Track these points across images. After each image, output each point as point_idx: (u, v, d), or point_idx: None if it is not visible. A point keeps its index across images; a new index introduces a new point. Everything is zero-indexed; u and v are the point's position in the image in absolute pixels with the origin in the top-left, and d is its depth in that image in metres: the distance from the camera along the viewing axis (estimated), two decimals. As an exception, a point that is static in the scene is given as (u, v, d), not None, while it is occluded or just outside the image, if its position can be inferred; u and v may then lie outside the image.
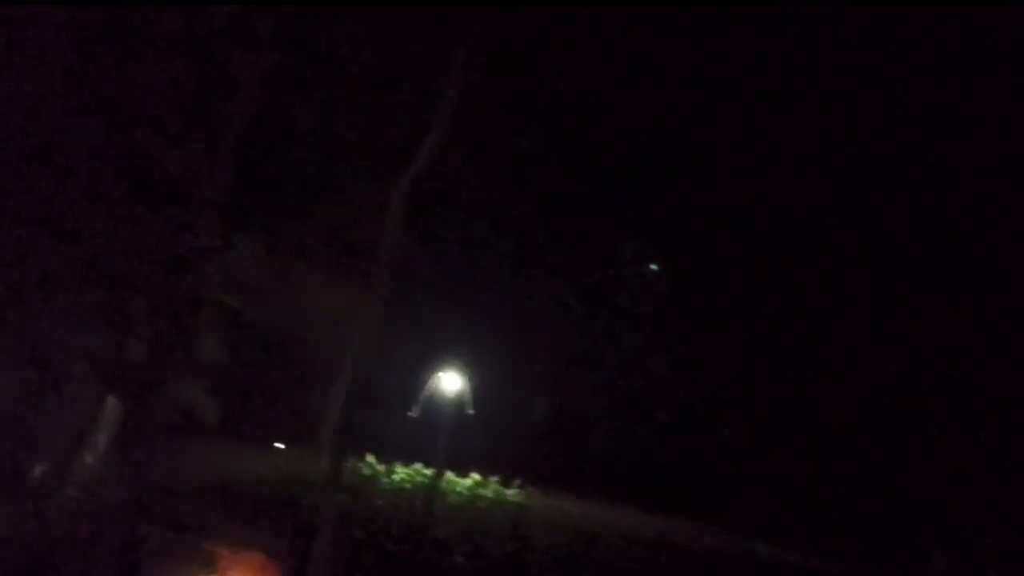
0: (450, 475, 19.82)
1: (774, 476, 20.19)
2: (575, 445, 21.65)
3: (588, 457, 21.67)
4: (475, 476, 19.92)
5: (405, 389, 20.53)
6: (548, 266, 20.84)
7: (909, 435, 19.33)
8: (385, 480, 18.81)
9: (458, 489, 19.45)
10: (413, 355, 20.54)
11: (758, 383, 20.84)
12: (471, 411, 21.52)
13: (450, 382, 21.45)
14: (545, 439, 21.84)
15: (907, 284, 19.11)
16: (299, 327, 19.39)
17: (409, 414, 20.80)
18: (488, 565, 16.50)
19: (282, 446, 19.41)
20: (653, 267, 21.61)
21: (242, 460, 17.54)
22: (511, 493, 19.65)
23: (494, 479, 19.91)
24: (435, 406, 21.16)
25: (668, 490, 19.97)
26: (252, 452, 18.12)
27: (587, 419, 22.21)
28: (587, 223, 20.69)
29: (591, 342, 22.00)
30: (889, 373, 19.05)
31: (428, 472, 19.85)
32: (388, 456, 19.32)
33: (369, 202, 17.25)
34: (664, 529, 18.42)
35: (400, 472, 19.44)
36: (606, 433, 22.11)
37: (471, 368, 21.39)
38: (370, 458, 19.30)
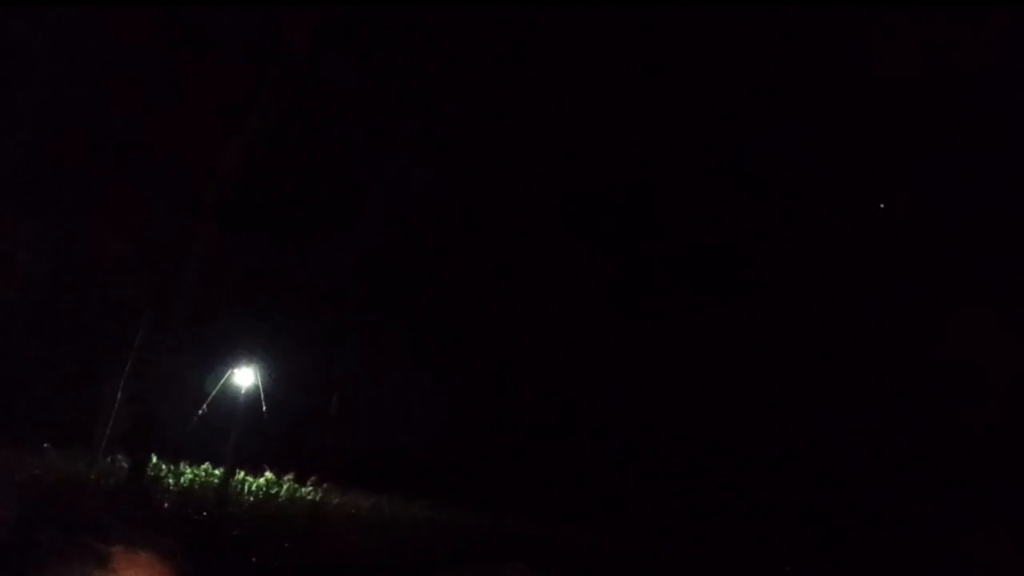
0: (242, 475, 19.19)
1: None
2: (371, 442, 21.43)
3: (384, 454, 21.48)
4: (269, 475, 19.36)
5: (194, 388, 19.75)
6: (349, 265, 20.53)
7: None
8: (170, 481, 17.95)
9: (252, 488, 18.83)
10: (203, 353, 19.79)
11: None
12: (264, 409, 20.95)
13: (243, 380, 20.80)
14: (341, 437, 21.51)
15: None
16: (79, 320, 18.34)
17: (199, 412, 20.04)
18: (284, 565, 16.01)
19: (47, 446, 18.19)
20: None
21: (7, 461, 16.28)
22: (307, 491, 19.21)
23: (289, 477, 19.41)
24: (226, 405, 20.47)
25: (461, 484, 20.10)
26: (20, 453, 16.86)
27: (382, 417, 22.05)
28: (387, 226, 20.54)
29: (389, 342, 21.86)
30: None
31: (218, 472, 19.13)
32: (175, 456, 18.46)
33: (163, 197, 16.47)
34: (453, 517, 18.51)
35: (188, 472, 18.63)
36: (401, 430, 22.02)
37: (265, 367, 20.83)
38: (154, 458, 18.40)
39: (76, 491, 14.71)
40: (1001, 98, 14.12)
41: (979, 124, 14.72)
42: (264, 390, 20.87)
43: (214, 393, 19.97)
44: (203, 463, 19.33)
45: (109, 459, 18.41)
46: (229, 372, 20.65)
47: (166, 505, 16.75)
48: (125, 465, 17.10)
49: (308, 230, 19.30)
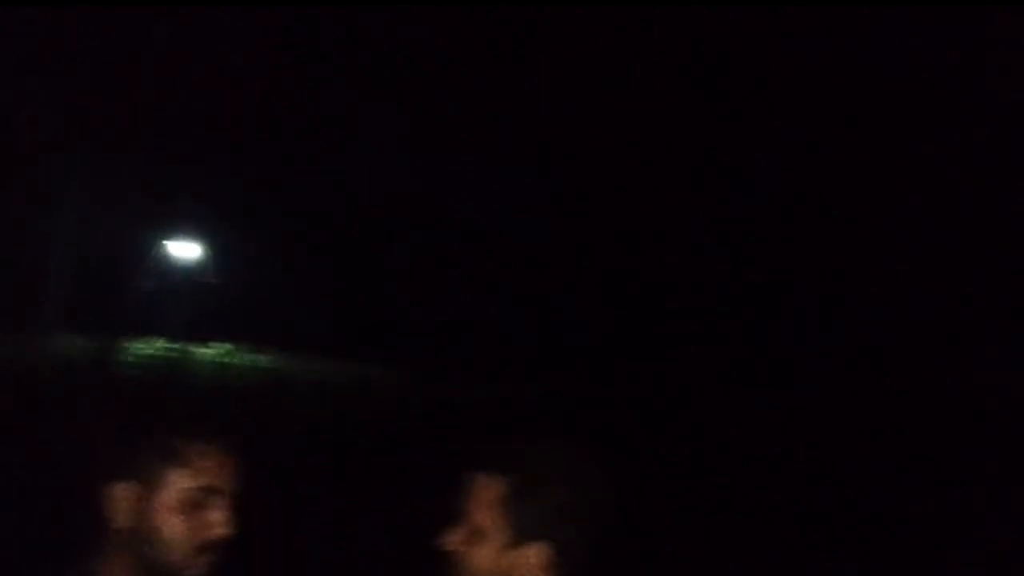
0: (198, 347, 18.80)
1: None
2: (323, 308, 21.05)
3: (337, 318, 21.14)
4: (226, 345, 18.99)
5: (136, 258, 19.09)
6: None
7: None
8: (127, 358, 17.49)
9: (206, 360, 18.47)
10: (142, 222, 19.02)
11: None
12: (213, 280, 20.42)
13: (187, 250, 20.18)
14: (292, 302, 21.09)
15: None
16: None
17: (141, 284, 19.44)
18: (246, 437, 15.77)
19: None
20: None
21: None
22: (264, 360, 18.90)
23: (244, 347, 19.05)
24: (171, 275, 19.89)
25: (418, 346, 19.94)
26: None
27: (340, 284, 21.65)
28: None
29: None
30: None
31: (173, 346, 18.71)
32: (123, 332, 17.91)
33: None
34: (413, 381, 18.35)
35: (145, 348, 18.18)
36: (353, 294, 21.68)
37: (209, 234, 20.21)
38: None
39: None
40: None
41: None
42: (211, 262, 20.32)
43: (157, 264, 19.35)
44: (155, 338, 18.89)
45: (58, 342, 17.87)
46: (166, 247, 20.01)
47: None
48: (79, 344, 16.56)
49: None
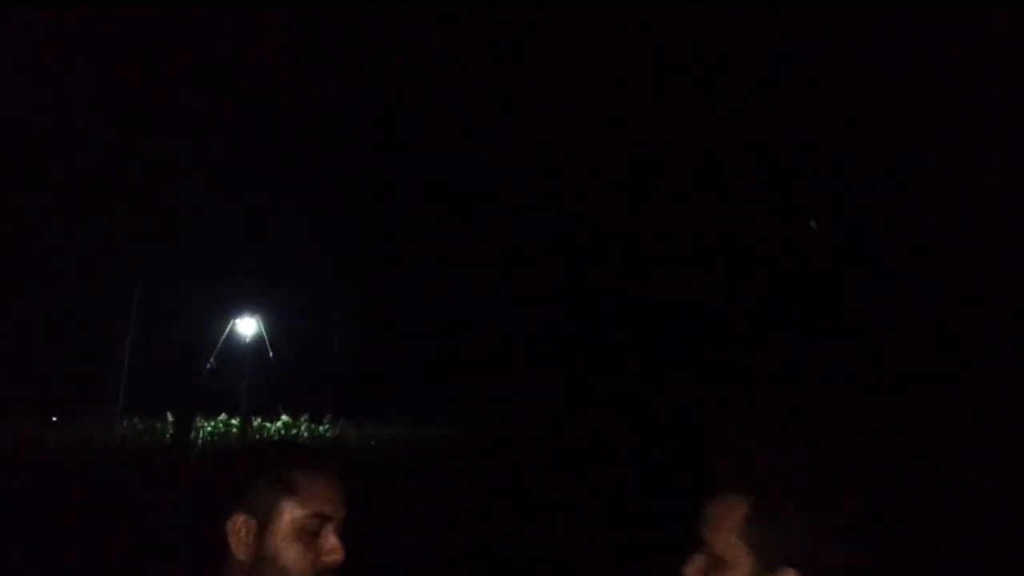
0: (259, 421, 19.55)
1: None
2: (373, 378, 21.79)
3: (386, 388, 21.88)
4: (285, 418, 19.73)
5: (199, 341, 19.95)
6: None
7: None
8: (193, 435, 18.26)
9: (271, 433, 19.18)
10: (204, 304, 19.95)
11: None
12: (271, 355, 21.27)
13: (245, 328, 21.08)
14: (343, 375, 21.88)
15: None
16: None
17: (207, 366, 20.30)
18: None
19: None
20: None
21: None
22: (324, 429, 19.62)
23: (304, 418, 19.79)
24: (232, 354, 20.76)
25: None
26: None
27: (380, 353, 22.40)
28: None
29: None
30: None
31: (235, 421, 19.49)
32: (189, 413, 18.70)
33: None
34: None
35: (206, 426, 18.96)
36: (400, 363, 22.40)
37: (265, 312, 21.08)
38: (170, 418, 18.69)
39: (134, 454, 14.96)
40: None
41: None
42: (268, 337, 21.17)
43: (220, 344, 20.23)
44: (218, 415, 19.70)
45: (125, 422, 18.75)
46: (232, 323, 20.93)
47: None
48: (140, 427, 17.37)
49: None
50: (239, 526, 1.76)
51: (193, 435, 18.25)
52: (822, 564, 1.62)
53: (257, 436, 18.97)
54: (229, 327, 20.93)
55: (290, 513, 1.75)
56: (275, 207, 18.81)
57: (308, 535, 1.76)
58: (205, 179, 17.19)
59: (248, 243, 18.62)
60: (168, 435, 17.46)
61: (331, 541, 1.78)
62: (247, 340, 20.77)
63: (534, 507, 12.73)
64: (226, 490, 1.80)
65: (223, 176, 17.37)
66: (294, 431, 19.47)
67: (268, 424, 19.59)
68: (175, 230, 17.78)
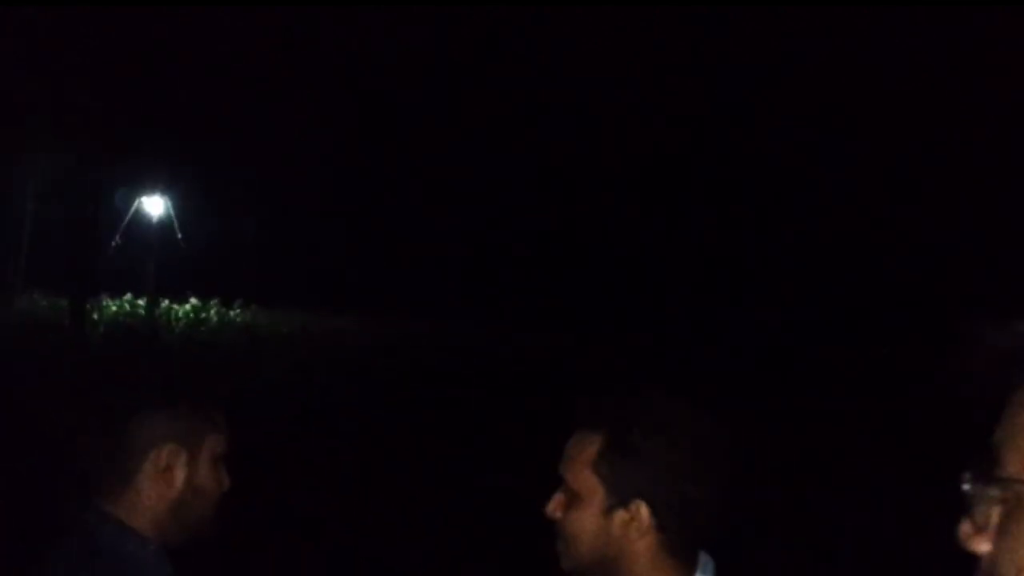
0: (167, 303, 18.96)
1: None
2: (288, 265, 21.21)
3: (299, 273, 21.33)
4: (193, 301, 19.15)
5: (103, 217, 19.12)
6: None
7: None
8: (95, 316, 17.61)
9: (179, 316, 18.63)
10: (109, 182, 19.06)
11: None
12: (180, 236, 20.53)
13: (153, 207, 20.25)
14: (257, 261, 21.27)
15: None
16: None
17: (112, 243, 19.53)
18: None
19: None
20: None
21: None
22: (235, 314, 19.10)
23: (214, 302, 19.23)
24: (139, 234, 19.97)
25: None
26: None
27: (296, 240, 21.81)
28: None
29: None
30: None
31: (141, 302, 18.86)
32: (93, 291, 18.00)
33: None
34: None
35: (111, 305, 18.31)
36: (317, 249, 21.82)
37: (176, 193, 20.27)
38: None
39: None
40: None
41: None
42: (177, 218, 20.40)
43: (127, 223, 19.44)
44: (123, 295, 19.03)
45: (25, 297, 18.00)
46: (138, 201, 20.07)
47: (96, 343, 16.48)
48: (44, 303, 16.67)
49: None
50: (168, 457, 1.67)
51: (96, 315, 17.62)
52: (677, 498, 1.59)
53: (165, 320, 18.39)
54: (135, 205, 20.08)
55: (211, 444, 1.72)
56: (189, 86, 17.94)
57: (218, 465, 1.75)
58: (112, 46, 16.27)
59: (158, 120, 17.77)
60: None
61: (224, 471, 1.76)
62: (155, 220, 19.97)
63: (436, 404, 12.55)
64: (151, 416, 1.67)
65: (131, 45, 16.45)
66: (203, 315, 18.94)
67: (176, 307, 19.00)
68: (79, 104, 16.86)
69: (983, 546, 0.81)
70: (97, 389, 1.74)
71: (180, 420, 1.67)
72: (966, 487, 0.81)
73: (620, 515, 1.60)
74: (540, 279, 19.61)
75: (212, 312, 18.97)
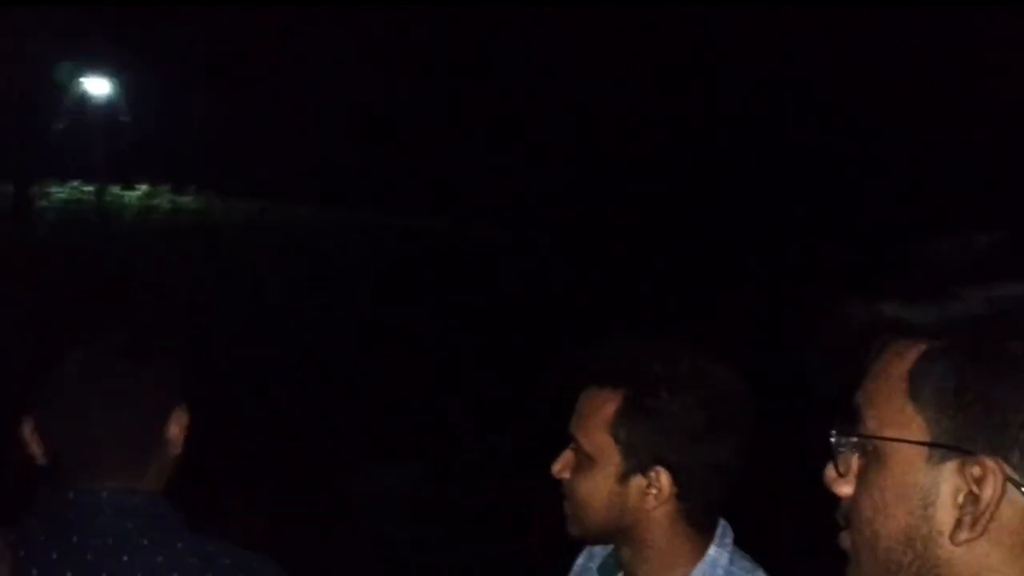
0: (115, 189, 18.28)
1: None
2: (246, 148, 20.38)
3: (256, 158, 20.55)
4: (144, 187, 18.49)
5: (43, 98, 18.24)
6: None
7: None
8: (44, 203, 16.96)
9: (128, 202, 18.01)
10: (48, 62, 18.08)
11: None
12: (125, 118, 19.69)
13: (97, 88, 19.36)
14: (209, 143, 20.43)
15: None
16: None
17: (56, 126, 18.69)
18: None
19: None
20: None
21: None
22: (188, 199, 18.50)
23: (165, 187, 18.58)
24: (83, 115, 19.11)
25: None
26: None
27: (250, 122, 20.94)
28: None
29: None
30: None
31: (89, 189, 18.17)
32: (35, 176, 17.23)
33: None
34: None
35: (58, 191, 17.62)
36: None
37: (121, 71, 19.34)
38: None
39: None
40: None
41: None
42: (124, 99, 19.52)
43: (71, 105, 18.55)
44: (70, 181, 18.30)
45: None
46: (80, 81, 19.13)
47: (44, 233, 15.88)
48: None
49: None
50: (184, 420, 1.54)
51: (43, 202, 16.97)
52: (701, 463, 1.49)
53: (115, 208, 17.76)
54: (79, 86, 19.15)
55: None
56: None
57: None
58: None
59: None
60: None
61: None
62: (100, 101, 19.10)
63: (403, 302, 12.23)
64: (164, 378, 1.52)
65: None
66: (155, 201, 18.33)
67: (125, 193, 18.34)
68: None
69: (845, 489, 0.94)
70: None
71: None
72: (832, 439, 0.95)
73: (638, 481, 1.50)
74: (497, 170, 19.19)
75: (164, 198, 18.36)
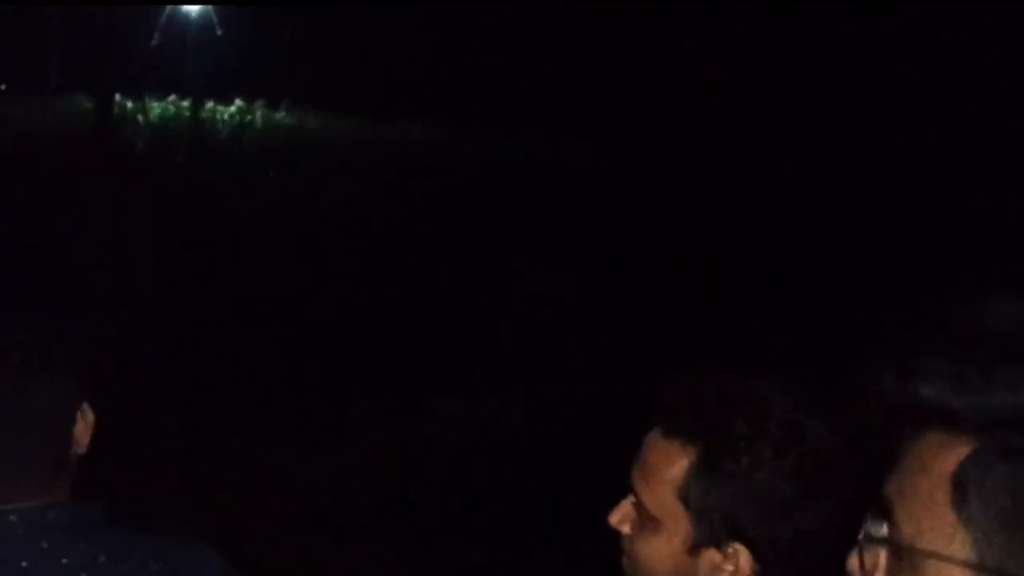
0: (211, 104, 18.01)
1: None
2: (339, 58, 19.72)
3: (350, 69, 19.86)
4: (239, 103, 18.18)
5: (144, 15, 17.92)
6: None
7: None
8: (140, 118, 16.77)
9: (222, 118, 17.73)
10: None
11: None
12: (219, 32, 19.37)
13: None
14: (302, 55, 19.89)
15: None
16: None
17: (150, 42, 18.41)
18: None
19: None
20: None
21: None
22: (281, 116, 18.14)
23: (260, 102, 18.23)
24: (178, 29, 18.82)
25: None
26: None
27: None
28: None
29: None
30: None
31: (185, 104, 17.91)
32: (135, 91, 17.01)
33: None
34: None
35: (155, 107, 17.40)
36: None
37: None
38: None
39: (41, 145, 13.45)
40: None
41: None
42: (216, 14, 19.17)
43: (165, 18, 18.23)
44: (167, 95, 18.05)
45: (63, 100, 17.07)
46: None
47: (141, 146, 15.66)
48: (88, 105, 15.78)
49: None
50: (90, 417, 1.53)
51: (141, 118, 16.77)
52: (788, 537, 1.25)
53: (210, 125, 17.47)
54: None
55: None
56: None
57: None
58: None
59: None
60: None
61: None
62: (193, 16, 18.78)
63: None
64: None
65: None
66: (248, 117, 17.99)
67: (220, 108, 18.04)
68: None
69: None
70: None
71: None
72: (861, 536, 0.83)
73: (711, 555, 1.29)
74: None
75: (258, 114, 18.00)
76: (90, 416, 1.47)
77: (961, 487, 0.76)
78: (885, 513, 0.82)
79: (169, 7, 18.69)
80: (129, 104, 16.45)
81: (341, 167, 15.21)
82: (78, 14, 16.24)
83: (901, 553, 0.80)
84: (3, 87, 16.04)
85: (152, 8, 18.13)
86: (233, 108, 17.98)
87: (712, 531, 1.29)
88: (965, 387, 0.76)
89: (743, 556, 1.28)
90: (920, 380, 0.78)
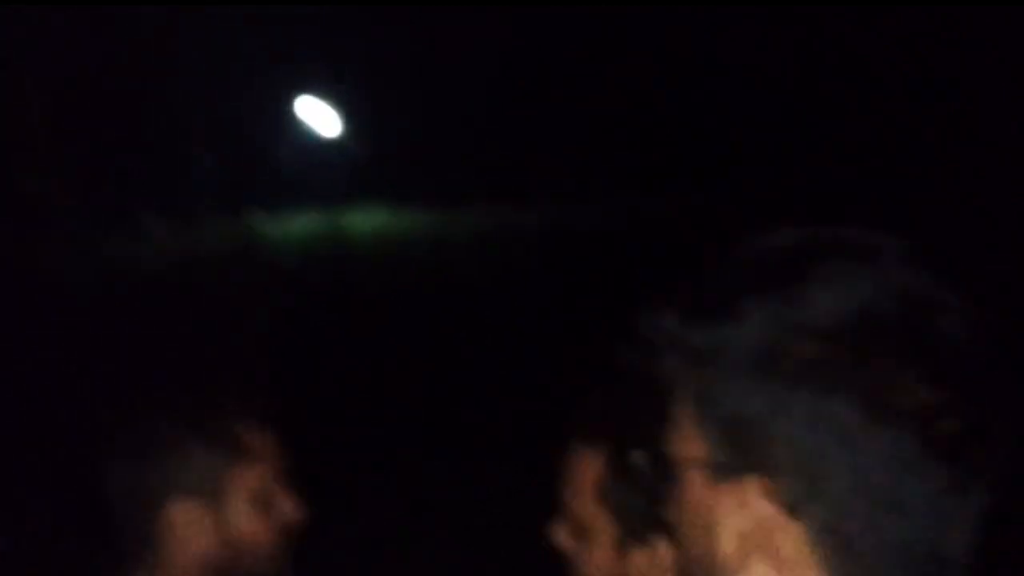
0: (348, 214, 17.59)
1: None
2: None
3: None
4: (375, 208, 17.79)
5: (271, 125, 17.62)
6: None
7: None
8: (283, 235, 16.39)
9: (361, 226, 17.31)
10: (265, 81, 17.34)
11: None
12: (353, 141, 18.96)
13: (313, 108, 18.65)
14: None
15: None
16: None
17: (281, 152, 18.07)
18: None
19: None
20: None
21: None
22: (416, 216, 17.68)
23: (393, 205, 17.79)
24: (310, 139, 18.43)
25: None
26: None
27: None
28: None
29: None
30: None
31: (321, 216, 17.48)
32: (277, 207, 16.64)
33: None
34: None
35: (297, 222, 17.02)
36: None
37: (336, 89, 18.58)
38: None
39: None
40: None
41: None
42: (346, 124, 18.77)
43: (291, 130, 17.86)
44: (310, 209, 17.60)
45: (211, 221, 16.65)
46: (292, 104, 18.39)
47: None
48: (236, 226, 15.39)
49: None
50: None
51: (284, 235, 16.35)
52: None
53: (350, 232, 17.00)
54: (293, 108, 18.41)
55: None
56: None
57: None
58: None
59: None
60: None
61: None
62: (319, 123, 18.36)
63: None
64: None
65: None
66: (385, 222, 17.56)
67: (358, 216, 17.59)
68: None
69: None
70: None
71: None
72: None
73: (642, 554, 1.36)
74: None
75: (394, 219, 17.52)
76: None
77: None
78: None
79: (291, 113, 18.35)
80: (271, 221, 16.10)
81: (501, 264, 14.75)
82: (224, 131, 15.95)
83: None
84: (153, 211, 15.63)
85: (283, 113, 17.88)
86: (371, 215, 17.57)
87: (636, 531, 1.40)
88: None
89: (662, 546, 1.30)
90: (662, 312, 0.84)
